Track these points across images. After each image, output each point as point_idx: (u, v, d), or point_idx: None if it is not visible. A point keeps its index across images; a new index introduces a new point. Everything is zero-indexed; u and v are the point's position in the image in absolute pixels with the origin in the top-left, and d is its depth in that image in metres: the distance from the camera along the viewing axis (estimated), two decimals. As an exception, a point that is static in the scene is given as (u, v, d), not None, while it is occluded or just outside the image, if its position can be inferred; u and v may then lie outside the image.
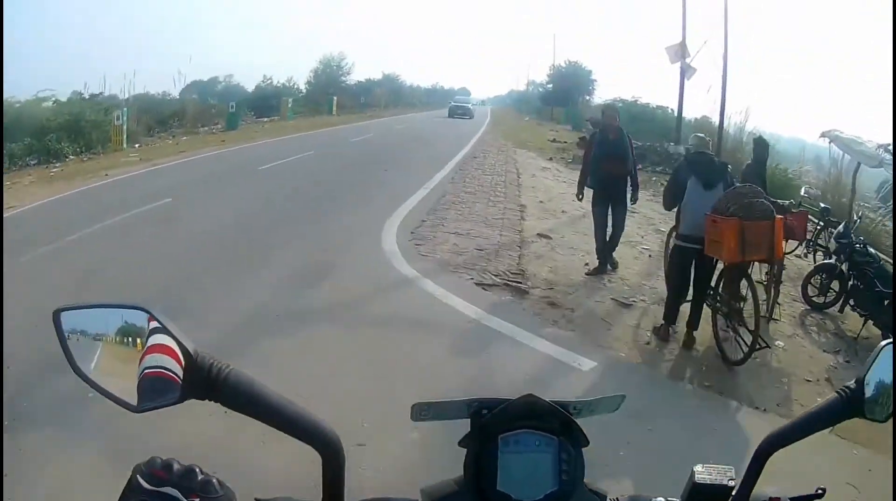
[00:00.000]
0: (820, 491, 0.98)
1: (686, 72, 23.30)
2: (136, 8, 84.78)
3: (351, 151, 20.95)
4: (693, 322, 6.26)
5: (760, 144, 9.27)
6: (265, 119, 35.85)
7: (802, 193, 11.63)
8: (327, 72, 50.23)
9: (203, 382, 0.80)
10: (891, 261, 8.97)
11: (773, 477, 1.00)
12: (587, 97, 49.69)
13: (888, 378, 0.92)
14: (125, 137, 22.46)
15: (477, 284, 7.68)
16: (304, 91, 47.31)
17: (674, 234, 6.96)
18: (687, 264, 6.33)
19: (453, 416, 1.00)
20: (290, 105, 37.43)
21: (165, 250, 8.64)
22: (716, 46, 24.50)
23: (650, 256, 9.66)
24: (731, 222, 5.70)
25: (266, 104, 37.81)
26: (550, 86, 53.52)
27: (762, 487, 0.97)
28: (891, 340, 0.95)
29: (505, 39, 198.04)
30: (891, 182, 13.81)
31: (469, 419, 0.99)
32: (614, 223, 8.64)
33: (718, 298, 6.30)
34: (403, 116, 42.89)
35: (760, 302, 6.12)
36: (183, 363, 0.79)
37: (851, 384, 0.95)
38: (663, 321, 6.48)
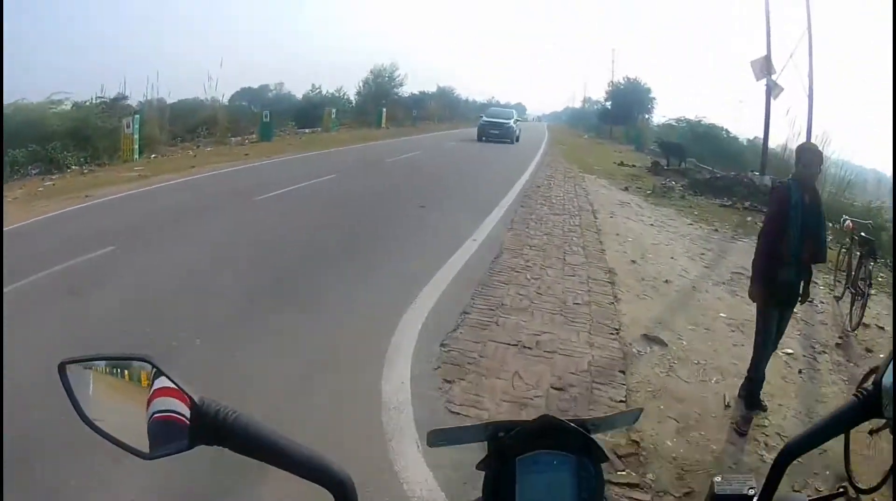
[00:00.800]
0: (841, 489, 0.67)
1: (772, 90, 20.18)
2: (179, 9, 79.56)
3: (385, 174, 16.80)
4: None
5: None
6: (306, 130, 32.69)
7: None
8: (378, 82, 46.15)
9: (211, 428, 0.76)
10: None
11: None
12: (646, 116, 47.27)
13: None
14: (136, 146, 19.68)
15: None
16: (354, 102, 43.98)
17: None
18: None
19: (470, 440, 0.95)
20: (333, 116, 34.05)
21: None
22: (799, 61, 20.79)
23: (800, 371, 5.92)
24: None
25: (311, 114, 34.43)
26: (609, 103, 51.20)
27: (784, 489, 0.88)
28: None
29: (561, 55, 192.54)
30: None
31: (486, 443, 0.94)
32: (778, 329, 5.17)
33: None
34: (457, 131, 38.72)
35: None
36: (189, 409, 0.76)
37: (869, 386, 0.88)
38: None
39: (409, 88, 51.21)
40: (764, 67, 19.94)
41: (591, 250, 9.35)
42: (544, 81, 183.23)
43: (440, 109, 55.07)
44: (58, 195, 12.83)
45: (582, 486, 0.90)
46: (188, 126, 26.47)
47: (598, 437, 0.93)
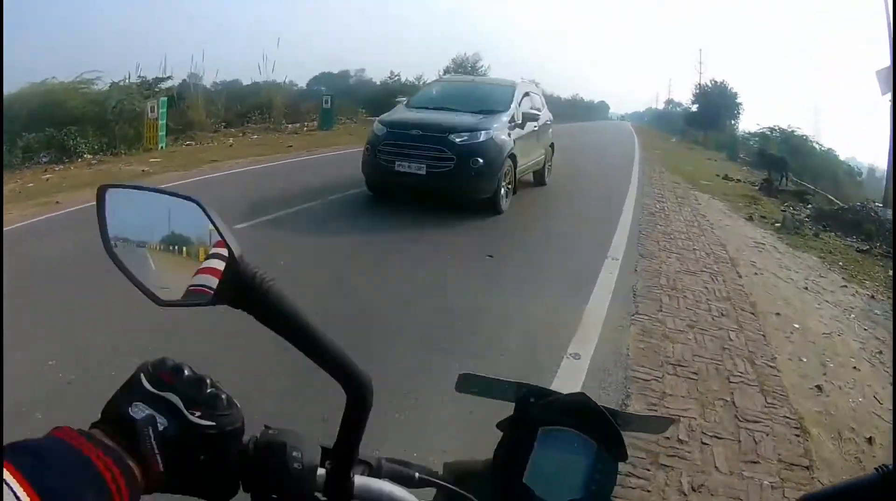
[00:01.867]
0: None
1: None
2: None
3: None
4: None
5: None
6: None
7: None
8: (459, 72, 41.94)
9: (241, 289, 0.66)
10: None
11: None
12: (732, 122, 44.62)
13: None
14: (163, 133, 16.45)
15: None
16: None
17: None
18: None
19: (498, 396, 0.88)
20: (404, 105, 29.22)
21: None
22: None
23: None
24: None
25: (384, 103, 29.47)
26: (696, 106, 46.88)
27: None
28: None
29: (644, 53, 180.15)
30: None
31: (514, 404, 0.87)
32: None
33: None
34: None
35: None
36: (223, 266, 0.66)
37: (890, 465, 0.66)
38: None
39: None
40: (890, 79, 15.25)
41: (760, 367, 4.93)
42: (626, 79, 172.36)
43: (521, 103, 50.08)
44: (30, 199, 9.55)
45: (594, 477, 0.82)
46: (240, 110, 23.22)
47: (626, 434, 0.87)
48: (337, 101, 28.46)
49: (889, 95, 15.53)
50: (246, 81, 27.60)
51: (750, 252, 9.26)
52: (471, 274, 6.40)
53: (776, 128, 30.61)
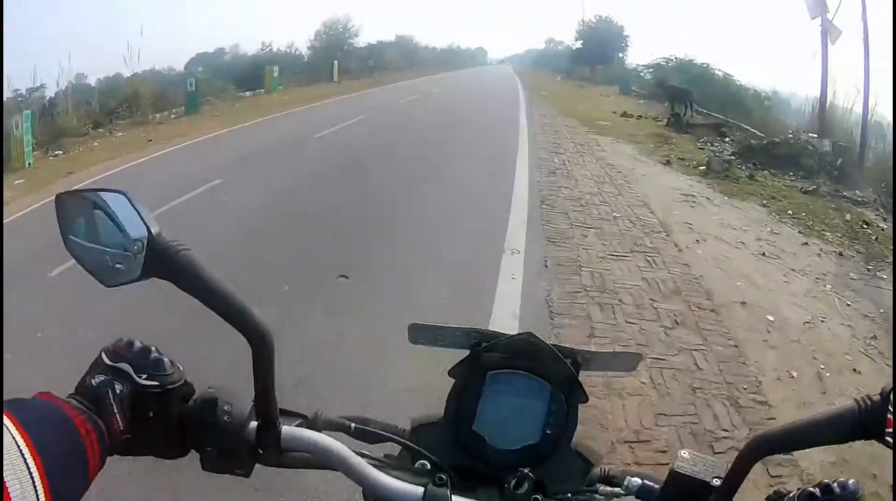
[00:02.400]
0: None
1: (829, 33, 14.74)
2: None
3: (299, 171, 10.01)
4: None
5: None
6: (248, 94, 26.50)
7: None
8: (332, 35, 39.52)
9: (161, 261, 0.72)
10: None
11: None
12: (620, 55, 41.38)
13: None
14: (29, 149, 14.23)
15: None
16: (306, 58, 37.52)
17: None
18: None
19: (451, 344, 0.88)
20: (275, 75, 27.60)
21: None
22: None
23: None
24: None
25: (257, 75, 28.09)
26: (580, 43, 44.09)
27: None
28: None
29: None
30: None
31: (469, 351, 0.86)
32: None
33: None
34: (415, 81, 31.93)
35: None
36: (146, 242, 0.73)
37: (875, 396, 0.66)
38: None
39: (365, 39, 44.45)
40: (819, 3, 14.53)
41: (748, 409, 3.66)
42: (504, 23, 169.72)
43: (398, 58, 48.39)
44: None
45: (549, 421, 0.81)
46: (108, 108, 20.50)
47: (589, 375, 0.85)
48: (210, 80, 26.41)
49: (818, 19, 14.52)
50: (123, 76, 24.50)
51: (681, 210, 8.07)
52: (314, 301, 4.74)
53: (672, 57, 28.37)
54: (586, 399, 0.81)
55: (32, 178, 12.30)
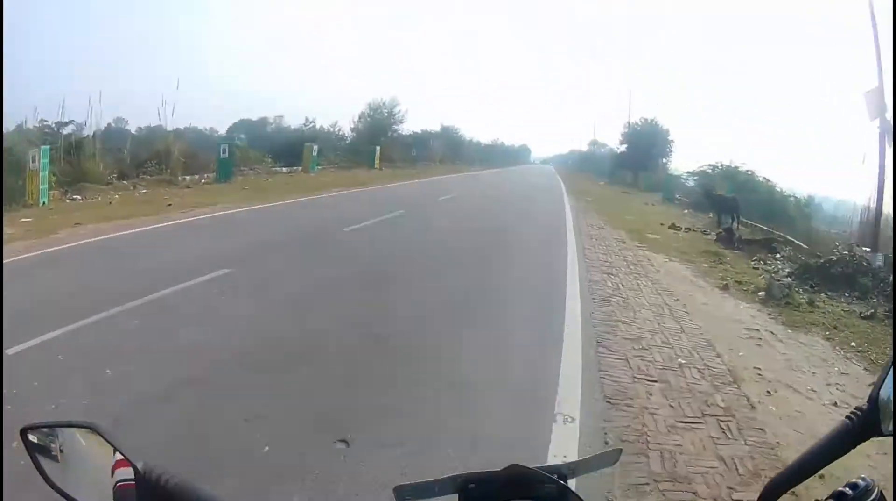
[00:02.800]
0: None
1: (886, 135, 13.47)
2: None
3: (318, 275, 8.34)
4: None
5: None
6: (283, 169, 26.10)
7: None
8: (376, 118, 39.21)
9: (154, 494, 0.72)
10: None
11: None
12: (664, 160, 40.63)
13: None
14: (44, 187, 14.15)
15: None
16: (348, 139, 37.38)
17: None
18: None
19: (440, 493, 0.86)
20: (314, 153, 27.03)
21: None
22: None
23: None
24: None
25: (295, 150, 27.66)
26: (625, 146, 42.89)
27: None
28: None
29: (567, 96, 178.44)
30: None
31: (456, 497, 0.85)
32: None
33: None
34: (458, 176, 31.32)
35: None
36: (135, 476, 0.73)
37: (863, 405, 0.76)
38: None
39: (410, 126, 44.57)
40: (880, 103, 13.44)
41: None
42: (549, 123, 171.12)
43: (442, 149, 48.35)
44: None
45: None
46: (139, 160, 20.21)
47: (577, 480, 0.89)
48: (247, 149, 26.14)
49: (877, 121, 13.55)
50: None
51: (748, 350, 6.80)
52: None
53: (718, 164, 27.30)
54: None
55: (40, 220, 11.75)
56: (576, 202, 21.97)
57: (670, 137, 41.42)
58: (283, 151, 27.58)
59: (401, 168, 33.84)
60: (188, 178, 19.95)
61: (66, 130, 18.53)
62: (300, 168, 26.21)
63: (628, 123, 43.45)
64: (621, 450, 0.92)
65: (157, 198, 15.73)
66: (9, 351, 4.63)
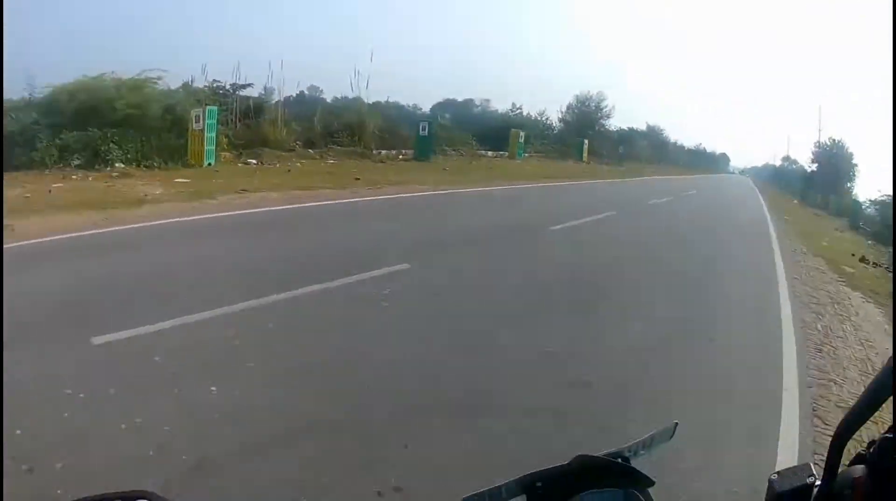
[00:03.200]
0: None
1: None
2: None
3: (517, 275, 6.59)
4: None
5: None
6: (489, 153, 24.81)
7: None
8: (583, 110, 37.47)
9: None
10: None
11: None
12: (849, 185, 40.30)
13: None
14: (211, 148, 13.73)
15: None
16: (556, 128, 35.86)
17: None
18: None
19: (507, 497, 0.76)
20: (521, 140, 25.56)
21: None
22: None
23: None
24: None
25: (500, 135, 26.33)
26: (815, 166, 42.66)
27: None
28: None
29: (765, 109, 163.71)
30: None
31: (525, 496, 0.77)
32: None
33: None
34: (665, 178, 28.31)
35: None
36: None
37: None
38: None
39: (616, 122, 42.42)
40: None
41: None
42: (747, 133, 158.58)
43: (647, 149, 45.27)
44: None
45: None
46: (331, 129, 19.58)
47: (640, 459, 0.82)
48: (450, 128, 25.31)
49: None
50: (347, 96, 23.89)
51: None
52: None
53: None
54: (653, 482, 0.75)
55: (199, 181, 11.14)
56: (777, 221, 19.24)
57: (854, 162, 41.04)
58: (488, 134, 26.40)
59: (607, 164, 31.77)
60: (383, 152, 19.29)
61: (243, 93, 18.39)
62: (506, 153, 25.01)
63: (818, 142, 42.85)
64: (677, 424, 0.80)
65: (344, 170, 14.97)
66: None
